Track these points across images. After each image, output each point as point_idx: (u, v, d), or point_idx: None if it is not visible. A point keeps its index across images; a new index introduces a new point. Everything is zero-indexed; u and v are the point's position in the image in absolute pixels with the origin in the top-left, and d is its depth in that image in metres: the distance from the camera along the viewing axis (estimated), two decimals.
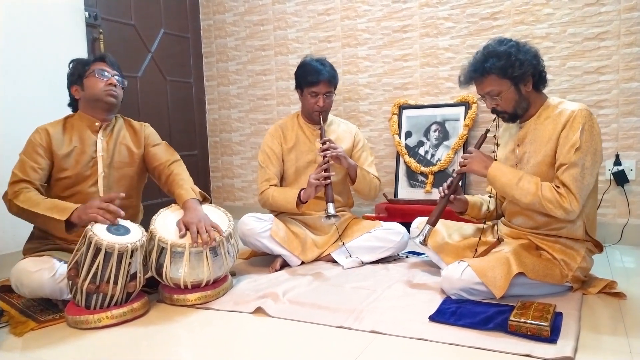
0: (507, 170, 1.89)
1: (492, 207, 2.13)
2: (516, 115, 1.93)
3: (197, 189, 2.12)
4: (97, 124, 2.09)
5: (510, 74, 1.83)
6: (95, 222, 1.79)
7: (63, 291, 1.84)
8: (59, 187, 2.02)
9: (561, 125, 1.81)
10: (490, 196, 2.13)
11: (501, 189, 1.90)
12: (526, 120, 1.95)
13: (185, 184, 2.11)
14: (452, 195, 2.04)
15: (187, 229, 1.93)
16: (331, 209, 2.24)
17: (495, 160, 1.95)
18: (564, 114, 1.82)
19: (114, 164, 2.11)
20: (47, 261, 1.85)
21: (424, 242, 2.03)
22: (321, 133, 2.45)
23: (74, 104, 2.15)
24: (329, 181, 2.30)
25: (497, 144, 2.03)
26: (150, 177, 2.27)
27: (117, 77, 2.10)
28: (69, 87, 2.13)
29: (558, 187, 1.78)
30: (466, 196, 2.14)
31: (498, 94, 1.88)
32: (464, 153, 2.00)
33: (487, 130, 2.01)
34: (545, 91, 1.97)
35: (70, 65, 2.13)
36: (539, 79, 1.89)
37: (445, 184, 2.07)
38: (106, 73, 2.07)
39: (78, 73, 2.08)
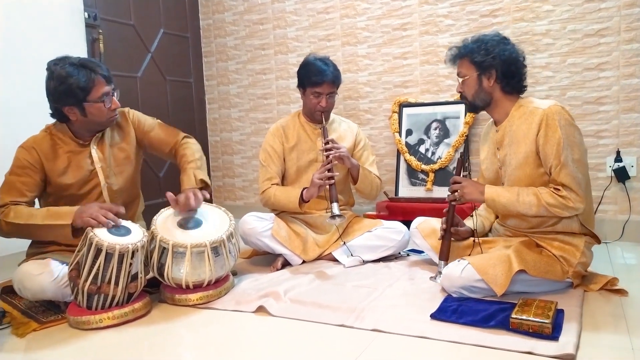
0: (501, 189, 1.89)
1: (492, 218, 2.17)
2: (475, 105, 1.98)
3: (200, 175, 2.08)
4: (81, 142, 2.00)
5: (473, 59, 1.89)
6: (98, 221, 1.78)
7: (66, 294, 1.84)
8: (63, 203, 1.96)
9: (536, 125, 1.81)
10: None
11: (503, 209, 1.90)
12: (500, 122, 1.96)
13: (189, 168, 2.08)
14: (452, 228, 2.06)
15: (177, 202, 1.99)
16: (335, 209, 2.23)
17: (469, 176, 2.01)
18: (536, 114, 1.82)
19: (113, 171, 2.06)
20: (49, 264, 1.84)
21: None
22: (324, 133, 2.44)
23: (63, 118, 1.96)
24: (332, 181, 2.30)
25: (468, 164, 2.08)
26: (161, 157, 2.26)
27: (114, 91, 1.97)
28: (62, 105, 1.90)
29: (558, 189, 1.78)
30: (467, 224, 2.13)
31: (463, 77, 1.94)
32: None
33: (462, 154, 2.08)
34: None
35: (64, 81, 1.84)
36: (505, 80, 1.88)
37: (442, 220, 2.08)
38: (109, 96, 1.93)
39: (79, 95, 1.87)
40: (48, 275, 1.80)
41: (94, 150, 2.02)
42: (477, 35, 1.96)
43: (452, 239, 2.07)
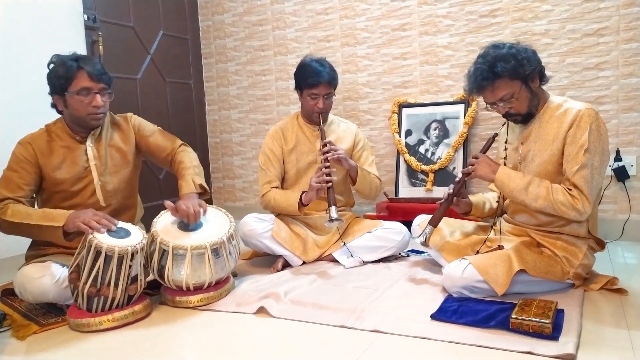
0: (515, 175, 1.87)
1: (494, 204, 2.14)
2: (530, 114, 1.90)
3: (198, 180, 2.09)
4: (77, 138, 2.01)
5: (521, 74, 1.81)
6: (89, 226, 1.75)
7: (67, 297, 1.84)
8: (57, 199, 1.99)
9: (567, 125, 1.80)
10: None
11: (510, 194, 1.89)
12: (529, 119, 1.94)
13: (187, 174, 2.08)
14: (455, 198, 2.05)
15: (177, 210, 1.97)
16: (334, 213, 2.23)
17: (505, 165, 1.95)
18: (570, 113, 1.81)
19: (109, 170, 2.07)
20: (49, 267, 1.85)
21: (425, 243, 2.06)
22: (321, 135, 2.44)
23: (56, 108, 2.00)
24: (330, 185, 2.30)
25: (506, 149, 2.03)
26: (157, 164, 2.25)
27: (103, 91, 1.94)
28: (51, 94, 1.96)
29: (570, 189, 1.77)
30: (470, 197, 2.13)
31: (512, 97, 1.85)
32: (469, 157, 1.99)
33: (495, 135, 2.02)
34: (545, 88, 1.96)
35: (51, 68, 1.94)
36: (543, 75, 1.89)
37: (449, 187, 2.07)
38: (90, 91, 1.91)
39: (60, 85, 1.90)
40: (49, 277, 1.81)
41: (90, 148, 2.03)
42: (494, 54, 1.83)
43: (449, 208, 2.06)
